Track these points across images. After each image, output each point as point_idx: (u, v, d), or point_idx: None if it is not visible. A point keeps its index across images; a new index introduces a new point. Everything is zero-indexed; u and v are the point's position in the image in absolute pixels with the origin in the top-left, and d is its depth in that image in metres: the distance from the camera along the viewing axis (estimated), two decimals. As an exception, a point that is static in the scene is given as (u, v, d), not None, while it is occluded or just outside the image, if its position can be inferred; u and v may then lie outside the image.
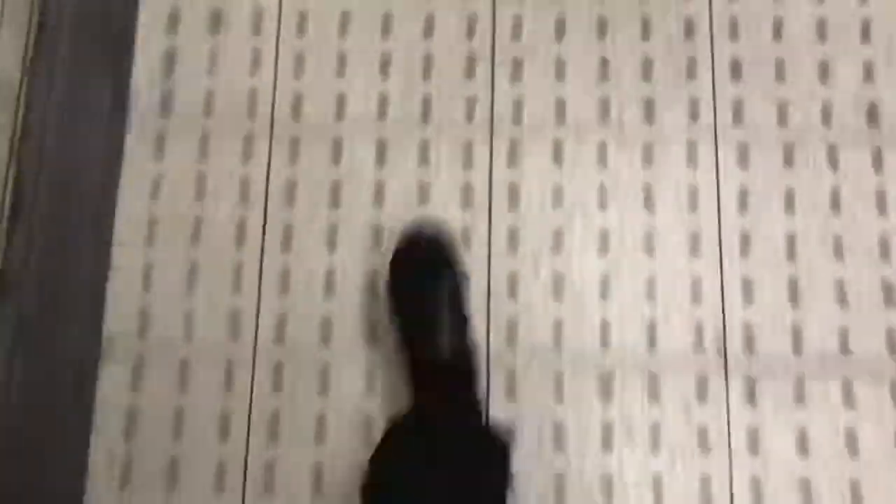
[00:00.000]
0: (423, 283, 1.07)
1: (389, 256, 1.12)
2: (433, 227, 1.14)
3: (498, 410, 1.14)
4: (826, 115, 1.23)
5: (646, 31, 1.25)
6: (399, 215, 1.20)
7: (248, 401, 1.16)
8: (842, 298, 1.17)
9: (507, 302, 1.18)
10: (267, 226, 1.21)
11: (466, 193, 1.21)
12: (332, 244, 1.20)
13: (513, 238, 1.20)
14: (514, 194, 1.21)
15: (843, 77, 1.23)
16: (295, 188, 1.22)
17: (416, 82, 1.25)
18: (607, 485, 1.12)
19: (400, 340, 1.07)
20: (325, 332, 1.18)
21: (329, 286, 1.19)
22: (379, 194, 1.21)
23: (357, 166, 1.23)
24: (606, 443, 1.14)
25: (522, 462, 1.10)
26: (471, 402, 1.07)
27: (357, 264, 1.19)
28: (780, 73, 1.24)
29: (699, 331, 1.16)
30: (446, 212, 1.20)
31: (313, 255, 1.20)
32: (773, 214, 1.20)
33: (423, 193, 1.21)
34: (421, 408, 1.03)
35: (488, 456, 1.01)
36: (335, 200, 1.21)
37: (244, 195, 1.22)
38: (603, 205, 1.20)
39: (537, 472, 1.12)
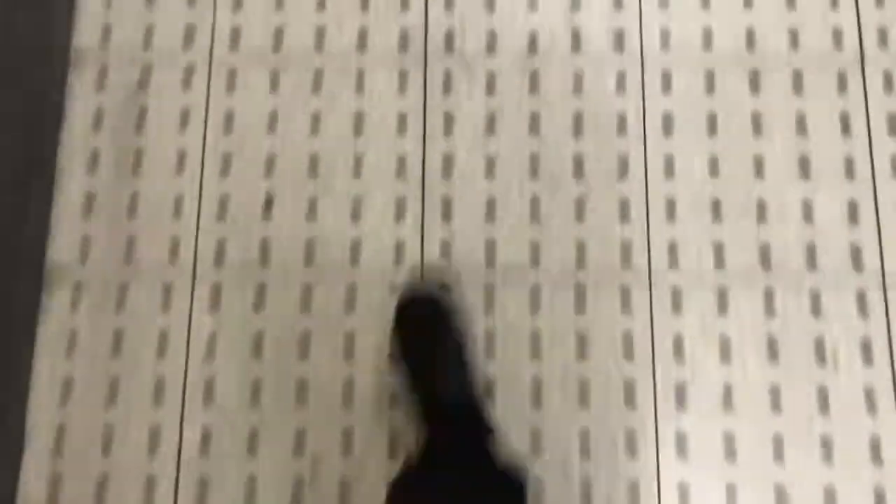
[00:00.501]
0: (426, 341, 1.10)
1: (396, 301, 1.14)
2: (432, 283, 1.20)
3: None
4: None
5: None
6: (334, 146, 1.24)
7: (187, 321, 1.19)
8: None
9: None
10: (206, 154, 1.25)
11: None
12: (269, 172, 1.24)
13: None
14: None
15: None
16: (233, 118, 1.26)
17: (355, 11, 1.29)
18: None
19: (408, 381, 1.10)
20: (264, 253, 1.21)
21: (266, 212, 1.22)
22: (315, 126, 1.25)
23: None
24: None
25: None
26: (482, 443, 1.07)
27: (295, 190, 1.23)
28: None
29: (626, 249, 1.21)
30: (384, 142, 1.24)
31: (251, 182, 1.23)
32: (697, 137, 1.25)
33: (359, 124, 1.25)
34: (432, 442, 1.05)
35: (504, 494, 1.02)
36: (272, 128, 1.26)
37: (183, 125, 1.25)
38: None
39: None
